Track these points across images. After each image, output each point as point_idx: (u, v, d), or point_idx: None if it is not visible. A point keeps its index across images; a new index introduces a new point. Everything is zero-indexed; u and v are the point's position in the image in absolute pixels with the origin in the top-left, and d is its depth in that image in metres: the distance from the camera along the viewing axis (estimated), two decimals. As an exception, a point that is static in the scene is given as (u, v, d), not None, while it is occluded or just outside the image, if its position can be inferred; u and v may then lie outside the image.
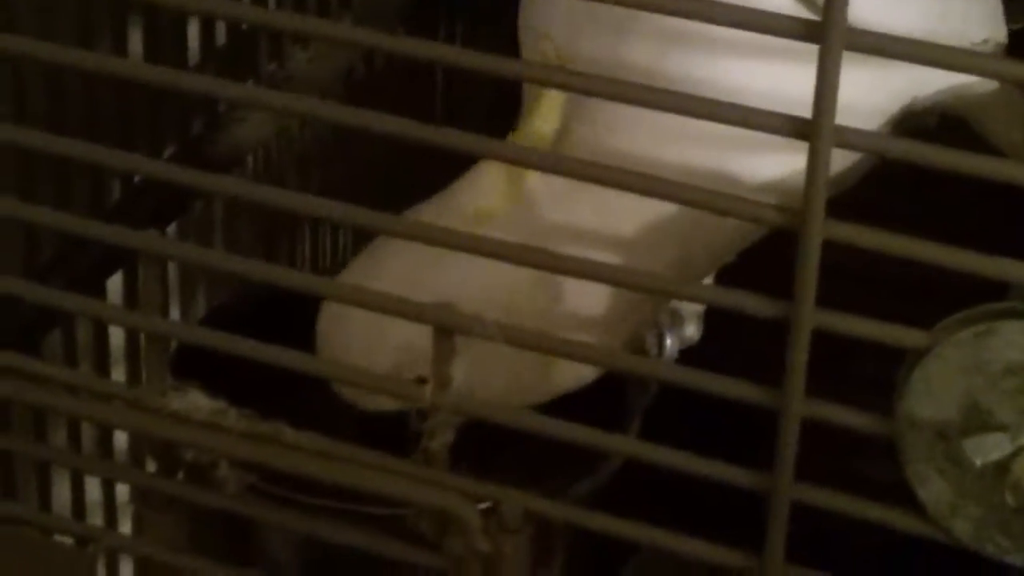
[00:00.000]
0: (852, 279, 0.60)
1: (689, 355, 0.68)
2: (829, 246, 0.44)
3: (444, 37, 1.01)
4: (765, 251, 0.59)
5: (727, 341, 0.64)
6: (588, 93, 0.47)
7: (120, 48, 0.79)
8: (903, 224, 0.45)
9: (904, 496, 0.46)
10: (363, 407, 0.62)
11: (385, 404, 0.60)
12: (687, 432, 0.65)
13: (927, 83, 0.58)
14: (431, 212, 0.62)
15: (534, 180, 0.60)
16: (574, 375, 0.63)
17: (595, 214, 0.59)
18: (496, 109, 0.65)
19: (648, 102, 0.44)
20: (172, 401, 0.53)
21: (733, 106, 0.44)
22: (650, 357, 0.67)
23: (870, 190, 0.60)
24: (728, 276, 0.63)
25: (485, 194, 0.61)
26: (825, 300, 0.45)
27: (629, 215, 0.58)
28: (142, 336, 0.54)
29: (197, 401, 0.53)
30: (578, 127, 0.59)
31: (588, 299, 0.60)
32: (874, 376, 0.50)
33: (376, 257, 0.63)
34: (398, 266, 0.61)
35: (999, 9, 0.60)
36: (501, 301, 0.58)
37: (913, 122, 0.59)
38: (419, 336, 0.51)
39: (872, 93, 0.56)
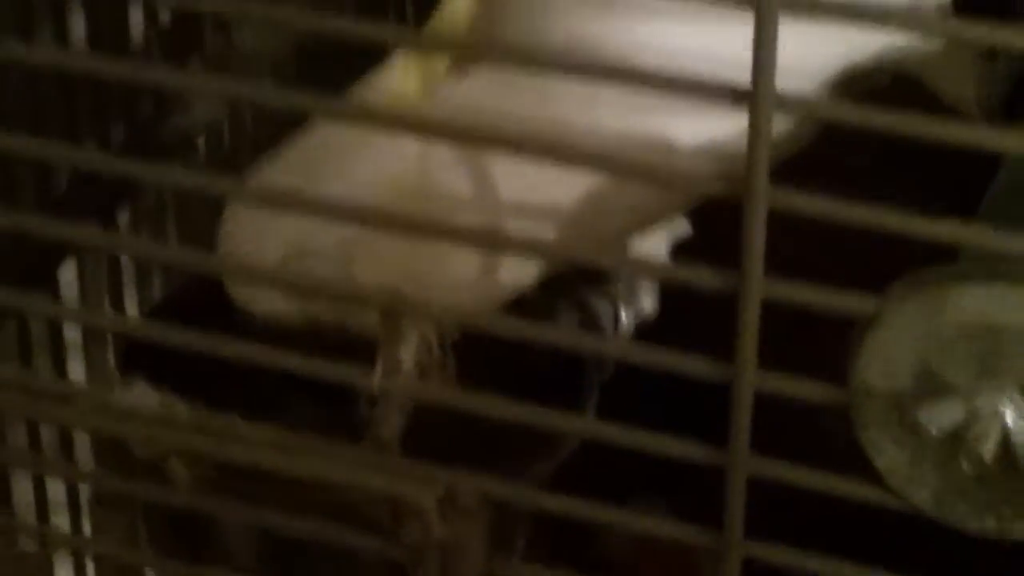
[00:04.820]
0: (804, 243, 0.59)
1: (646, 326, 0.67)
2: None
3: (395, 16, 0.99)
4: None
5: (684, 311, 0.63)
6: (524, 67, 0.46)
7: (61, 27, 0.78)
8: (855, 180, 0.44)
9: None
10: (255, 310, 0.61)
11: (276, 305, 0.59)
12: (648, 399, 0.64)
13: (865, 42, 0.57)
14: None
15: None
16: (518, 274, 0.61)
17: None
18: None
19: (583, 73, 0.43)
20: (121, 396, 0.52)
21: (669, 75, 0.43)
22: (605, 332, 0.66)
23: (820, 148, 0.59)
24: (684, 248, 0.62)
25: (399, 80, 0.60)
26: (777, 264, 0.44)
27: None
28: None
29: (145, 394, 0.52)
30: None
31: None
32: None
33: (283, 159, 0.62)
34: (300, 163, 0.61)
35: None
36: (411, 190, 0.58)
37: (864, 83, 0.58)
38: (306, 233, 0.53)
39: (809, 54, 0.55)
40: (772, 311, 0.45)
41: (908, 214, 0.42)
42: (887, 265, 0.45)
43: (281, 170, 0.61)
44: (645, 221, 0.60)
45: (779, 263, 0.45)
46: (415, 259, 0.58)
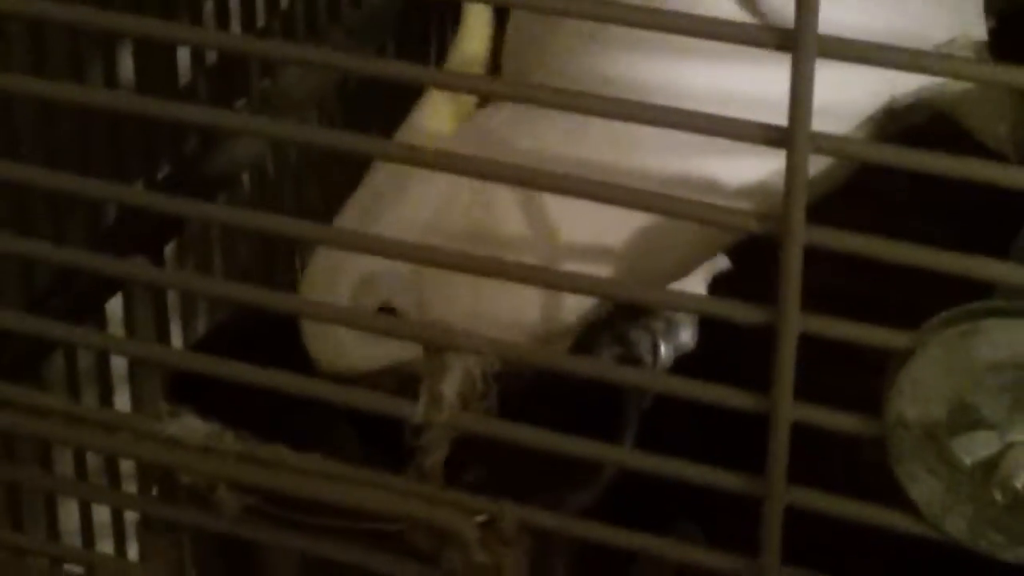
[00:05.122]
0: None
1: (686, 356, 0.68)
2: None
3: (437, 46, 1.01)
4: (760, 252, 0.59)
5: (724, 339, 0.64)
6: (557, 107, 0.47)
7: (110, 66, 0.80)
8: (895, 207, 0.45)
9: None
10: (335, 370, 0.62)
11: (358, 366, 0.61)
12: (690, 424, 0.65)
13: (903, 82, 0.58)
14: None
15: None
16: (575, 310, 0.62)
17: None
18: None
19: (620, 114, 0.44)
20: (168, 426, 0.53)
21: (707, 116, 0.44)
22: (645, 364, 0.67)
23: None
24: (724, 281, 0.63)
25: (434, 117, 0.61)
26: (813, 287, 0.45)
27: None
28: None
29: (192, 425, 0.53)
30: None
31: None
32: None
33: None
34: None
35: (973, 6, 0.60)
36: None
37: (902, 120, 0.59)
38: (375, 264, 0.55)
39: (847, 93, 0.56)
40: (809, 340, 0.46)
41: (943, 250, 0.43)
42: (924, 283, 0.45)
43: (347, 210, 0.62)
44: (689, 260, 0.60)
45: (816, 286, 0.46)
46: (478, 295, 0.59)
